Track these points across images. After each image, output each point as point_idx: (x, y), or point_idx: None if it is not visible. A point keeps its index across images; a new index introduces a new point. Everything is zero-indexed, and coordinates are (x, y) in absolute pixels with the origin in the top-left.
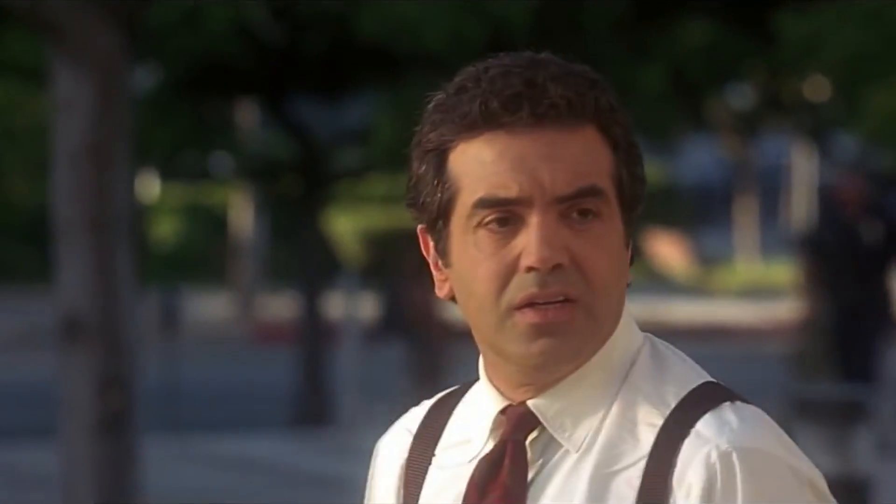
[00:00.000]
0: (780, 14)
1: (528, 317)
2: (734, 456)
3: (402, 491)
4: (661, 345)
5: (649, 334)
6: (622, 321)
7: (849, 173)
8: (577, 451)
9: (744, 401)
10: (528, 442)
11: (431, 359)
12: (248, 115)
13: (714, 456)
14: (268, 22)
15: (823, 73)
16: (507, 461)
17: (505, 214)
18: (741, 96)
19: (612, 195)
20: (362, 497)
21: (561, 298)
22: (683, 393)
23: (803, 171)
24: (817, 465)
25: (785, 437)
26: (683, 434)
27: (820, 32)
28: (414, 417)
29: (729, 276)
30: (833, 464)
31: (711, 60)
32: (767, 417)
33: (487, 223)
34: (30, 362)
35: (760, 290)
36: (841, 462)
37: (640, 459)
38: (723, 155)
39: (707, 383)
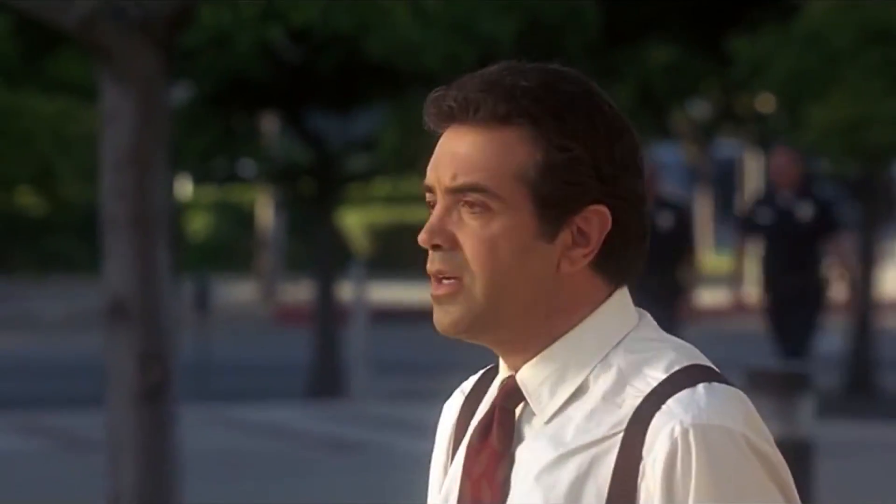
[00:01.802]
0: (732, 38)
1: (432, 288)
2: (694, 431)
3: (450, 448)
4: (657, 332)
5: (649, 321)
6: (608, 307)
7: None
8: (546, 421)
9: (728, 383)
10: (518, 409)
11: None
12: (269, 126)
13: (677, 430)
14: (287, 44)
15: (770, 89)
16: (494, 426)
17: (431, 198)
18: (700, 109)
19: (511, 194)
20: (369, 457)
21: (441, 275)
22: (667, 374)
23: (753, 173)
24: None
25: (756, 419)
26: (656, 409)
27: (767, 55)
28: (470, 381)
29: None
30: (780, 428)
31: (674, 79)
32: (743, 399)
33: (428, 204)
34: (81, 340)
35: (715, 276)
36: (787, 426)
37: (619, 432)
38: (684, 160)
39: (694, 365)
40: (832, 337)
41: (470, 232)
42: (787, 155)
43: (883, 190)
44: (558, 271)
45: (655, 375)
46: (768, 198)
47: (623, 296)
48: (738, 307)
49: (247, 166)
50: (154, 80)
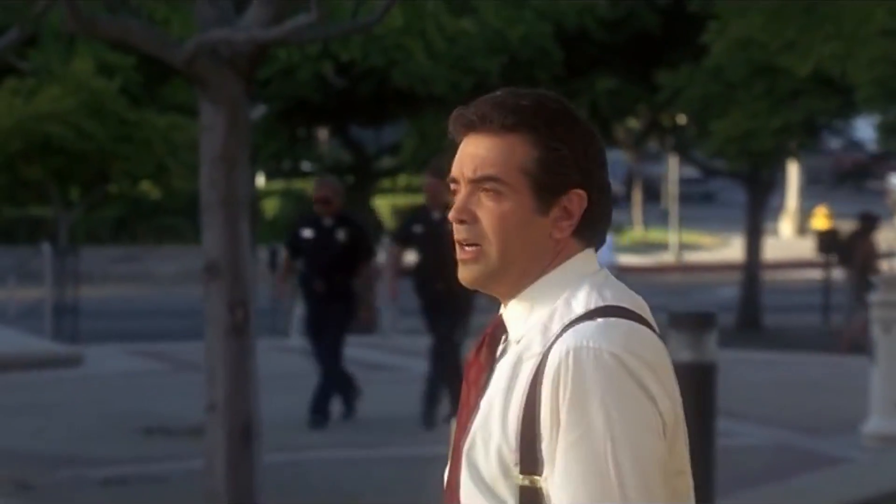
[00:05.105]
0: (658, 72)
1: (458, 253)
2: (573, 352)
3: None
4: (605, 280)
5: (606, 272)
6: (564, 269)
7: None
8: (516, 343)
9: (633, 319)
10: (504, 336)
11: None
12: (322, 135)
13: (563, 351)
14: (335, 75)
15: (685, 110)
16: (483, 347)
17: (456, 187)
18: (634, 124)
19: (516, 181)
20: (392, 375)
21: (466, 243)
22: (583, 311)
23: (674, 172)
24: (681, 358)
25: (637, 344)
26: (561, 336)
27: (683, 84)
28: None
29: (626, 236)
30: (692, 355)
31: (615, 101)
32: (632, 330)
33: (452, 191)
34: (186, 291)
35: (643, 246)
36: (697, 354)
37: (540, 354)
38: (624, 162)
39: (608, 306)
40: (729, 288)
41: (487, 210)
42: (436, 178)
43: (766, 182)
44: (550, 238)
45: (577, 311)
46: (422, 215)
47: (588, 254)
48: None
49: (306, 165)
50: (238, 101)
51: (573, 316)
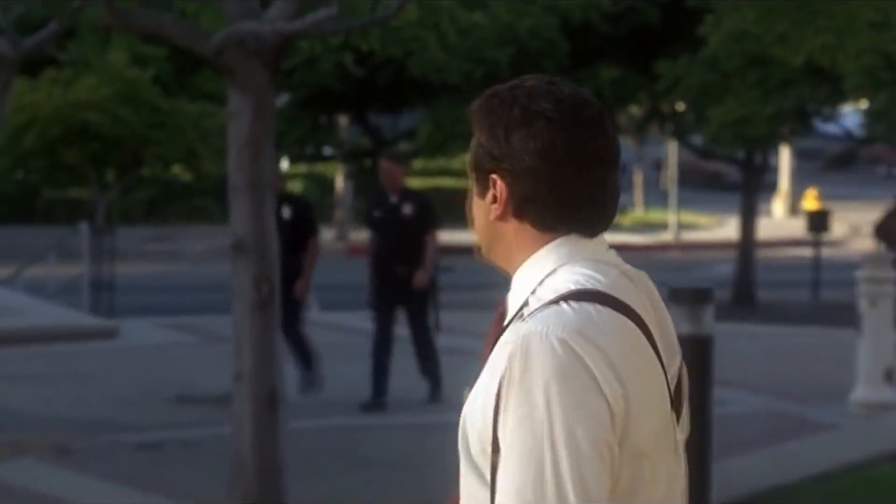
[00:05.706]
0: (658, 62)
1: None
2: (525, 336)
3: None
4: (589, 264)
5: (593, 254)
6: (547, 248)
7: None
8: (506, 327)
9: (599, 302)
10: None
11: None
12: (343, 122)
13: (519, 336)
14: (355, 65)
15: (683, 98)
16: (496, 324)
17: None
18: (636, 111)
19: (469, 171)
20: (404, 347)
21: None
22: (554, 296)
23: (673, 157)
24: (680, 331)
25: (591, 329)
26: (523, 320)
27: (681, 73)
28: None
29: (629, 217)
30: (690, 329)
31: (618, 90)
32: (592, 314)
33: None
34: (215, 267)
35: (644, 226)
36: (695, 327)
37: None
38: (626, 147)
39: (579, 290)
40: (725, 265)
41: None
42: (393, 163)
43: (759, 166)
44: (491, 220)
45: (549, 296)
46: (381, 199)
47: (564, 240)
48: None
49: (327, 149)
50: (264, 90)
51: (545, 300)
